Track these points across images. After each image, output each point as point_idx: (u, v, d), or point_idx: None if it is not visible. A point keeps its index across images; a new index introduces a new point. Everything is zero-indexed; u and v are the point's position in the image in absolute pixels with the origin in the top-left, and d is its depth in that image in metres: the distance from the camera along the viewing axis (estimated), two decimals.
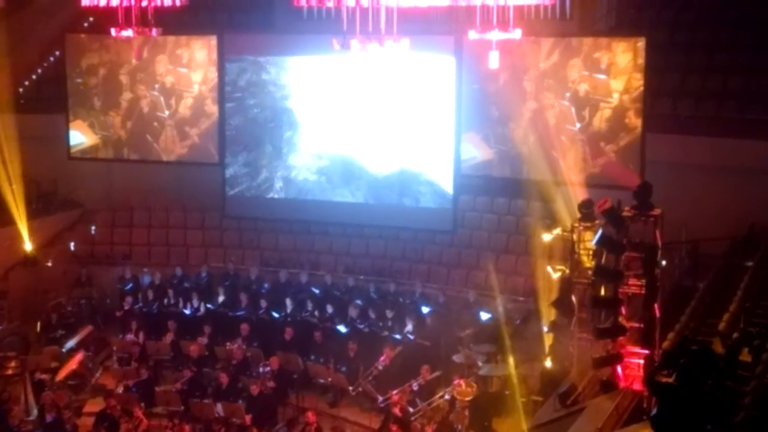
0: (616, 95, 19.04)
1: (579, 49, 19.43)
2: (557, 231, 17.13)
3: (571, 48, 19.51)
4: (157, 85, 22.94)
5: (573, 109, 19.58)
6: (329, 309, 19.91)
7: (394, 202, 21.67)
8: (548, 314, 16.74)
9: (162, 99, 22.91)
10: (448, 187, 21.24)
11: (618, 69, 19.04)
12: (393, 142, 21.43)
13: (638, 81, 18.83)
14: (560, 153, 19.63)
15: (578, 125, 19.55)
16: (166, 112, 22.94)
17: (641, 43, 18.84)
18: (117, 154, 23.50)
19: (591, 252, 14.80)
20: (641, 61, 18.76)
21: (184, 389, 18.00)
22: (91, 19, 24.12)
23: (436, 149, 21.18)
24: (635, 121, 18.92)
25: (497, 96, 20.28)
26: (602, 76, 19.18)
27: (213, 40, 22.50)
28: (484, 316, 19.06)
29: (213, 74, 22.46)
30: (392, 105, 21.27)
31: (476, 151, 20.76)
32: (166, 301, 21.11)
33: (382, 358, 18.11)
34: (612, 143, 19.18)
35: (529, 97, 20.01)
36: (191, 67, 22.70)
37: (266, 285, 21.23)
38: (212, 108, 22.66)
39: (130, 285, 21.76)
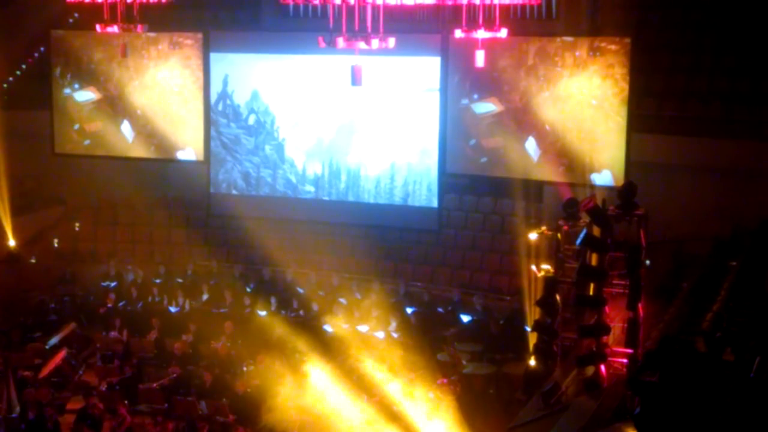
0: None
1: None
2: (542, 230, 17.16)
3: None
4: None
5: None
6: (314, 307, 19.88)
7: (379, 201, 21.65)
8: (532, 313, 16.75)
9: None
10: (433, 186, 21.25)
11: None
12: (378, 141, 21.42)
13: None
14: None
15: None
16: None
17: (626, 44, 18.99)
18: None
19: (575, 251, 14.83)
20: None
21: (168, 387, 17.93)
22: (76, 15, 24.01)
23: (422, 148, 21.19)
24: None
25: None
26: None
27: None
28: (465, 318, 19.09)
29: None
30: (377, 104, 21.26)
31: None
32: (150, 298, 21.05)
33: None
34: None
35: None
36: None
37: (252, 284, 21.20)
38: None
39: (114, 282, 21.67)
